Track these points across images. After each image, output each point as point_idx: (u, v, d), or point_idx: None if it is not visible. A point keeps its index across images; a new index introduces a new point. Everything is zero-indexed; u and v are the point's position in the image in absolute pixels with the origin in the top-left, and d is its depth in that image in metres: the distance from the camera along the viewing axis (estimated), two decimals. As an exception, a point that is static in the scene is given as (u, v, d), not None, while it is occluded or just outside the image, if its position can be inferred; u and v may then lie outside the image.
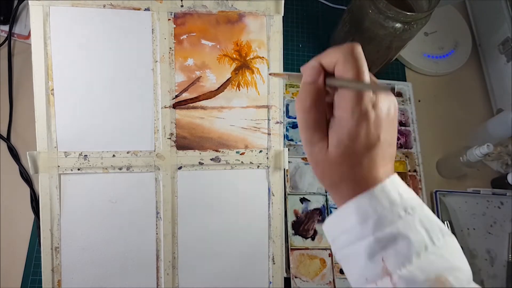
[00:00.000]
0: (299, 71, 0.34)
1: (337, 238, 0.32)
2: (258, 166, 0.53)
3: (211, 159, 0.52)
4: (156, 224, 0.50)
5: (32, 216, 0.57)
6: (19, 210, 0.57)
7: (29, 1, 0.47)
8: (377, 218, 0.29)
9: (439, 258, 0.29)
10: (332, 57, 0.30)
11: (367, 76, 0.29)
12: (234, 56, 0.52)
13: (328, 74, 0.30)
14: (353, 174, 0.30)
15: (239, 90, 0.53)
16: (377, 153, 0.30)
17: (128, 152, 0.50)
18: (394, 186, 0.30)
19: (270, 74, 0.53)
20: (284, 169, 0.54)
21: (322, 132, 0.31)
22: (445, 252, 0.29)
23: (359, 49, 0.29)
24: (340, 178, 0.31)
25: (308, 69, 0.31)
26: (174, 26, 0.51)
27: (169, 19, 0.50)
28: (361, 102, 0.29)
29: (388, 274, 0.29)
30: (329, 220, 0.33)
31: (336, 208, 0.33)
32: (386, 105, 0.30)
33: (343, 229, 0.31)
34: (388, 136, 0.31)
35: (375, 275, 0.29)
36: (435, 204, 0.66)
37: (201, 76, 0.52)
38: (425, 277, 0.28)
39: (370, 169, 0.30)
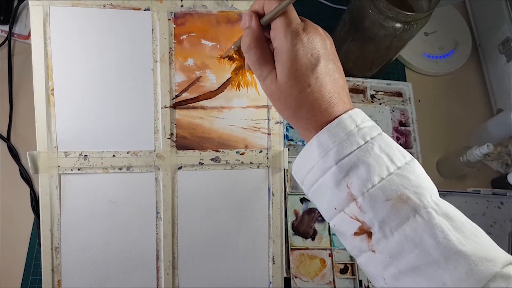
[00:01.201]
0: None
1: (305, 178, 0.34)
2: (258, 166, 0.53)
3: (211, 159, 0.52)
4: (156, 224, 0.50)
5: (32, 216, 0.57)
6: (19, 210, 0.57)
7: (29, 1, 0.47)
8: (336, 149, 0.31)
9: (401, 179, 0.30)
10: (259, 2, 0.33)
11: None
12: (234, 56, 0.52)
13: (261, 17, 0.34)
14: (306, 97, 0.32)
15: (239, 90, 0.53)
16: (323, 73, 0.32)
17: (128, 152, 0.50)
18: (351, 119, 0.32)
19: (221, 57, 0.52)
20: (284, 169, 0.54)
21: (269, 66, 0.33)
22: (408, 173, 0.30)
23: None
24: (296, 104, 0.33)
25: (243, 17, 0.34)
26: (174, 26, 0.51)
27: (169, 19, 0.50)
28: (290, 25, 0.32)
29: (353, 198, 0.30)
30: (295, 163, 0.35)
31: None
32: (319, 33, 0.33)
33: (308, 167, 0.33)
34: (330, 60, 0.33)
35: (342, 202, 0.31)
36: (435, 204, 0.66)
37: (201, 76, 0.52)
38: (386, 196, 0.29)
39: (321, 91, 0.32)
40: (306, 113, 0.33)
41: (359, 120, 0.32)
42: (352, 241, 0.32)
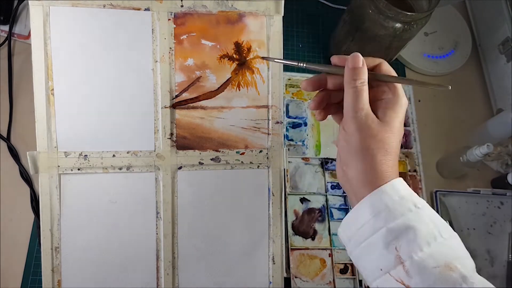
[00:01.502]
0: (299, 71, 0.39)
1: (354, 236, 0.34)
2: (258, 166, 0.53)
3: (211, 159, 0.52)
4: (156, 224, 0.50)
5: (32, 216, 0.57)
6: (19, 210, 0.57)
7: (29, 1, 0.47)
8: (388, 211, 0.32)
9: (447, 248, 0.31)
10: (371, 61, 0.38)
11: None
12: (234, 56, 0.52)
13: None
14: (374, 145, 0.35)
15: (239, 90, 0.53)
16: (396, 139, 0.36)
17: (128, 152, 0.50)
18: (402, 185, 0.34)
19: (263, 58, 0.54)
20: (284, 169, 0.54)
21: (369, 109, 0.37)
22: (451, 244, 0.32)
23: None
24: (378, 149, 0.35)
25: (358, 56, 0.37)
26: (174, 26, 0.51)
27: (169, 19, 0.50)
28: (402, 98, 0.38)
29: (401, 262, 0.31)
30: (345, 220, 0.36)
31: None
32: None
33: (358, 225, 0.34)
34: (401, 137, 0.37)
35: (389, 264, 0.31)
36: (435, 204, 0.66)
37: (201, 76, 0.52)
38: (436, 263, 0.30)
39: (383, 151, 0.35)
40: (359, 170, 0.35)
41: (408, 187, 0.34)
42: None
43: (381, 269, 0.32)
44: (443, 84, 0.38)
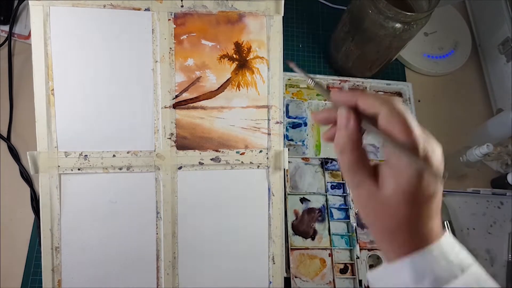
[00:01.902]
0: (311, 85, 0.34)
1: None
2: (258, 166, 0.53)
3: (211, 159, 0.52)
4: (156, 224, 0.51)
5: (32, 216, 0.57)
6: (19, 210, 0.57)
7: (29, 1, 0.47)
8: (434, 278, 0.28)
9: None
10: (373, 106, 0.30)
11: (418, 131, 0.29)
12: (234, 56, 0.52)
13: (362, 116, 0.31)
14: (410, 225, 0.30)
15: (239, 90, 0.53)
16: (435, 204, 0.30)
17: (128, 152, 0.50)
18: (450, 245, 0.30)
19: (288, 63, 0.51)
20: (284, 169, 0.54)
21: (363, 173, 0.31)
22: None
23: (401, 104, 0.30)
24: (396, 227, 0.30)
25: (343, 113, 0.31)
26: (174, 26, 0.51)
27: (169, 19, 0.50)
28: (417, 150, 0.28)
29: None
30: (377, 272, 0.32)
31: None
32: (438, 152, 0.30)
33: (394, 284, 0.30)
34: (440, 195, 0.31)
35: None
36: (435, 204, 0.66)
37: (201, 76, 0.52)
38: None
39: (427, 223, 0.30)
40: (401, 237, 0.30)
41: (456, 248, 0.30)
42: None
43: None
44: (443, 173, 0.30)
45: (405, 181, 0.29)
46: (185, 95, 0.51)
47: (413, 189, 0.29)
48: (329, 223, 0.62)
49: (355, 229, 0.61)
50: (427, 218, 0.30)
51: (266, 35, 0.53)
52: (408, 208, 0.29)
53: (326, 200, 0.63)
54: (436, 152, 0.30)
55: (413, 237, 0.30)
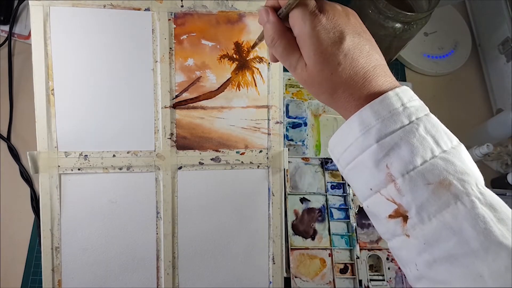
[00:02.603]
0: None
1: (342, 155, 0.32)
2: (258, 166, 0.53)
3: (211, 159, 0.52)
4: (156, 224, 0.51)
5: (32, 216, 0.57)
6: (19, 210, 0.57)
7: (29, 1, 0.47)
8: (379, 127, 0.29)
9: (445, 163, 0.28)
10: None
11: None
12: (234, 56, 0.52)
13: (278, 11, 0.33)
14: (339, 77, 0.31)
15: (239, 90, 0.53)
16: (350, 48, 0.31)
17: (128, 152, 0.50)
18: (397, 97, 0.30)
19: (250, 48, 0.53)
20: (284, 169, 0.54)
21: (296, 54, 0.33)
22: (453, 158, 0.29)
23: None
24: (331, 86, 0.31)
25: (260, 14, 0.34)
26: (174, 26, 0.51)
27: (169, 19, 0.50)
28: (306, 8, 0.31)
29: (392, 180, 0.29)
30: (332, 139, 0.34)
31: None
32: (333, 8, 0.32)
33: (346, 144, 0.31)
34: (356, 34, 0.32)
35: (380, 183, 0.30)
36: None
37: (201, 76, 0.52)
38: (428, 180, 0.28)
39: (353, 67, 0.31)
40: (343, 93, 0.31)
41: (406, 99, 0.30)
42: (386, 224, 0.30)
43: (371, 189, 0.30)
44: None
45: (308, 43, 0.31)
46: (185, 95, 0.51)
47: (316, 47, 0.31)
48: (329, 223, 0.62)
49: (355, 229, 0.62)
50: (352, 65, 0.31)
51: (266, 35, 0.53)
52: (325, 66, 0.31)
53: (326, 200, 0.63)
54: (330, 6, 0.32)
55: (352, 91, 0.31)
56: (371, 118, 0.30)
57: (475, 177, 0.29)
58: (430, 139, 0.29)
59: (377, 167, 0.29)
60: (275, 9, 0.34)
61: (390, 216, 0.30)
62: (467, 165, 0.29)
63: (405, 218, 0.29)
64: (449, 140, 0.30)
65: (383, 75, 0.32)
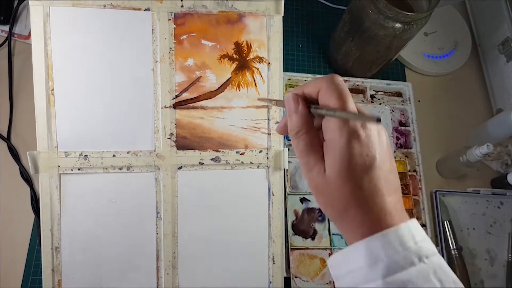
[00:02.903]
0: (299, 71, 0.34)
1: (342, 277, 0.31)
2: (258, 166, 0.53)
3: (211, 159, 0.52)
4: (156, 224, 0.51)
5: (32, 216, 0.57)
6: (19, 210, 0.57)
7: (29, 1, 0.47)
8: (388, 262, 0.28)
9: None
10: (314, 86, 0.31)
11: (351, 104, 0.29)
12: (234, 56, 0.52)
13: (312, 102, 0.31)
14: (356, 199, 0.29)
15: (239, 90, 0.53)
16: (377, 175, 0.29)
17: (128, 152, 0.50)
18: (409, 232, 0.29)
19: (258, 99, 0.53)
20: (284, 169, 0.54)
21: (317, 155, 0.31)
22: None
23: (339, 78, 0.30)
24: (344, 204, 0.30)
25: (287, 101, 0.32)
26: (174, 26, 0.51)
27: (169, 19, 0.50)
28: (348, 121, 0.29)
29: None
30: (335, 257, 0.32)
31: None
32: (375, 128, 0.30)
33: (350, 269, 0.30)
34: (386, 160, 0.30)
35: None
36: (435, 204, 0.66)
37: (201, 76, 0.52)
38: None
39: (374, 194, 0.29)
40: (355, 216, 0.30)
41: (418, 236, 0.29)
42: None
43: None
44: (372, 117, 0.28)
45: (338, 155, 0.29)
46: (185, 95, 0.51)
47: (346, 163, 0.29)
48: (329, 223, 0.62)
49: (355, 229, 0.61)
50: (373, 193, 0.29)
51: (266, 35, 0.53)
52: (347, 184, 0.29)
53: (326, 200, 0.63)
54: (372, 126, 0.30)
55: (364, 217, 0.29)
56: (381, 250, 0.28)
57: None
58: (438, 284, 0.28)
59: None
60: (306, 99, 0.32)
61: None
62: None
63: None
64: (454, 286, 0.29)
65: (396, 209, 0.30)
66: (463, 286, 0.29)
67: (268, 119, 0.53)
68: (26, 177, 0.58)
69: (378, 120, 0.27)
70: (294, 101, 0.31)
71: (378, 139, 0.30)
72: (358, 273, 0.29)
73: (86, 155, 0.49)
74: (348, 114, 0.29)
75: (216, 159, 0.52)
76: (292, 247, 0.59)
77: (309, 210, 0.62)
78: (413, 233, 0.29)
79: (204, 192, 0.52)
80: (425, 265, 0.28)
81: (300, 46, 0.75)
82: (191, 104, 0.51)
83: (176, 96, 0.51)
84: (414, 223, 0.30)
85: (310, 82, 0.31)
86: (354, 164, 0.29)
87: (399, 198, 0.31)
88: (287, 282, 0.57)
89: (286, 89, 0.69)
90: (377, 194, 0.29)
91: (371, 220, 0.29)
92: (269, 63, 0.53)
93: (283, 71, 0.55)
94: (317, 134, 0.31)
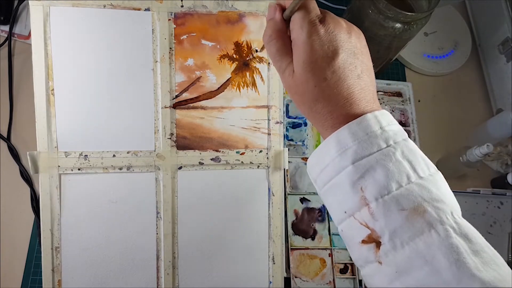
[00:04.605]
0: None
1: (319, 176, 0.32)
2: (258, 166, 0.53)
3: (211, 159, 0.52)
4: (156, 224, 0.51)
5: (32, 216, 0.57)
6: (19, 210, 0.57)
7: (29, 1, 0.47)
8: (355, 148, 0.29)
9: (421, 190, 0.28)
10: None
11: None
12: (234, 56, 0.52)
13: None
14: (322, 91, 0.30)
15: (239, 90, 0.53)
16: (341, 67, 0.30)
17: (128, 152, 0.50)
18: (376, 119, 0.30)
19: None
20: (284, 169, 0.54)
21: (288, 58, 0.32)
22: (429, 185, 0.28)
23: None
24: (312, 99, 0.31)
25: (268, 9, 0.34)
26: (174, 26, 0.51)
27: (169, 19, 0.50)
28: (307, 16, 0.31)
29: (366, 203, 0.28)
30: (309, 160, 0.33)
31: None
32: (336, 23, 0.31)
33: (323, 165, 0.31)
34: (352, 55, 0.31)
35: (354, 206, 0.29)
36: (435, 204, 0.66)
37: (201, 76, 0.52)
38: (403, 205, 0.27)
39: (338, 85, 0.30)
40: (322, 108, 0.31)
41: (385, 122, 0.30)
42: (359, 250, 0.29)
43: (345, 212, 0.29)
44: None
45: (301, 51, 0.31)
46: (185, 95, 0.51)
47: (308, 56, 0.30)
48: (329, 223, 0.62)
49: (355, 229, 0.61)
50: (337, 84, 0.30)
51: (266, 35, 0.53)
52: (311, 78, 0.30)
53: (326, 200, 0.63)
54: (333, 20, 0.32)
55: (331, 108, 0.30)
56: (348, 139, 0.29)
57: (451, 205, 0.28)
58: (407, 164, 0.29)
59: (352, 189, 0.29)
60: (283, 9, 0.33)
61: (363, 242, 0.29)
62: (444, 193, 0.29)
63: (378, 244, 0.28)
64: (427, 167, 0.29)
65: (366, 99, 0.31)
66: (432, 164, 0.30)
67: (268, 119, 0.53)
68: (26, 177, 0.58)
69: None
70: (272, 9, 0.33)
71: (344, 35, 0.31)
72: (331, 165, 0.30)
73: (86, 155, 0.49)
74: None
75: (216, 159, 0.52)
76: (292, 247, 0.59)
77: (309, 210, 0.62)
78: (379, 120, 0.30)
79: (204, 192, 0.52)
80: (392, 148, 0.29)
81: (300, 46, 0.75)
82: (191, 104, 0.51)
83: (176, 96, 0.51)
84: (382, 111, 0.31)
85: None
86: (315, 56, 0.30)
87: (369, 91, 0.31)
88: (287, 282, 0.57)
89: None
90: (342, 84, 0.30)
91: (338, 110, 0.30)
92: (269, 63, 0.53)
93: (283, 71, 0.54)
94: (289, 41, 0.33)
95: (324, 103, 0.31)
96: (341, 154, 0.29)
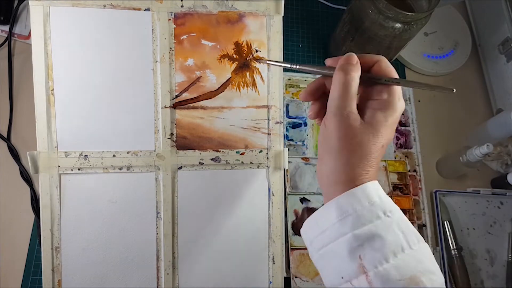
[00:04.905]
0: (299, 71, 0.36)
1: (316, 238, 0.33)
2: (258, 166, 0.53)
3: (211, 159, 0.52)
4: (156, 224, 0.51)
5: (32, 216, 0.57)
6: (19, 210, 0.57)
7: (29, 1, 0.47)
8: (356, 216, 0.30)
9: (414, 260, 0.30)
10: (371, 56, 0.35)
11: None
12: (234, 56, 0.52)
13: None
14: (343, 169, 0.33)
15: (239, 90, 0.53)
16: (364, 155, 0.33)
17: (128, 152, 0.50)
18: (375, 189, 0.32)
19: (256, 59, 0.53)
20: (284, 169, 0.54)
21: (354, 106, 0.34)
22: (420, 255, 0.30)
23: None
24: (334, 168, 0.33)
25: (352, 58, 0.34)
26: (174, 26, 0.51)
27: (169, 19, 0.50)
28: (397, 113, 0.34)
29: (364, 272, 0.29)
30: (307, 221, 0.34)
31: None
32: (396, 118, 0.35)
33: (322, 228, 0.32)
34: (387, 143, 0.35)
35: (352, 273, 0.30)
36: (435, 204, 0.66)
37: (201, 76, 0.52)
38: (400, 276, 0.29)
39: (354, 168, 0.32)
40: (335, 181, 0.33)
41: (382, 193, 0.32)
42: None
43: (342, 277, 0.30)
44: (447, 87, 0.33)
45: (383, 126, 0.33)
46: (185, 95, 0.51)
47: (383, 138, 0.33)
48: None
49: (355, 229, 0.61)
50: (353, 164, 0.32)
51: (266, 35, 0.53)
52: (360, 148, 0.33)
53: (326, 200, 0.63)
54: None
55: (340, 181, 0.32)
56: (349, 206, 0.31)
57: (440, 278, 0.30)
58: (401, 235, 0.30)
59: (350, 256, 0.30)
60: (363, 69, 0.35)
61: None
62: (432, 262, 0.31)
63: None
64: (416, 238, 0.31)
65: (366, 171, 0.33)
66: (420, 235, 0.32)
67: (268, 119, 0.53)
68: (26, 177, 0.58)
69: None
70: (355, 57, 0.34)
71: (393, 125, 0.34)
72: (330, 230, 0.31)
73: (86, 155, 0.49)
74: (420, 84, 0.35)
75: (216, 159, 0.52)
76: (292, 247, 0.59)
77: (309, 210, 0.62)
78: (377, 190, 0.32)
79: (204, 192, 0.52)
80: (389, 218, 0.31)
81: (300, 46, 0.75)
82: (191, 104, 0.51)
83: (176, 96, 0.51)
84: (376, 183, 0.33)
85: (366, 55, 0.35)
86: (391, 126, 0.34)
87: (376, 165, 0.34)
88: (287, 282, 0.57)
89: (286, 89, 0.69)
90: (357, 168, 0.32)
91: (344, 179, 0.32)
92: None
93: (283, 71, 0.54)
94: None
95: (339, 177, 0.33)
96: (341, 220, 0.31)
